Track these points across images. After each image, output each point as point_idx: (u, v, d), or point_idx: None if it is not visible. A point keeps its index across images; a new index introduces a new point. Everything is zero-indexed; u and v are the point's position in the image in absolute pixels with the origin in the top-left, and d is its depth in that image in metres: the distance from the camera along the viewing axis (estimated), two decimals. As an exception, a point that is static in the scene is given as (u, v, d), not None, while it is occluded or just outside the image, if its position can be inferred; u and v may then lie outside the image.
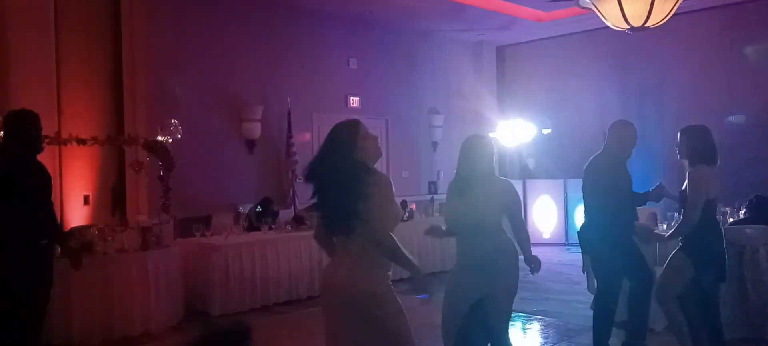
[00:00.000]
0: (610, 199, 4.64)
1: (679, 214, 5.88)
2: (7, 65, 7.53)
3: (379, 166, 11.94)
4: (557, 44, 12.86)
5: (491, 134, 12.84)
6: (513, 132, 12.44)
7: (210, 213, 8.26)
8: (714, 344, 4.61)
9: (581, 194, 4.94)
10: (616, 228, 4.67)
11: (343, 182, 2.99)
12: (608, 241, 4.69)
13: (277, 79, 10.03)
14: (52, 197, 5.02)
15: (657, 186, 4.86)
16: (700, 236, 4.52)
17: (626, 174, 4.78)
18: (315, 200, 3.13)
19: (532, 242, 4.06)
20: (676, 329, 4.66)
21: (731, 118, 10.61)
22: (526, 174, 12.45)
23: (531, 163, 12.49)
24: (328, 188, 3.06)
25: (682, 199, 4.62)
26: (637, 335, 4.90)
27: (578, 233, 5.07)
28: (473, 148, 3.94)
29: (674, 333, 4.74)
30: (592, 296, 6.39)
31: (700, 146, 4.57)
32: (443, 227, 4.18)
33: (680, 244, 4.64)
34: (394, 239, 2.98)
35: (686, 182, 4.56)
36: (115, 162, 8.54)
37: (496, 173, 4.15)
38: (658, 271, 5.68)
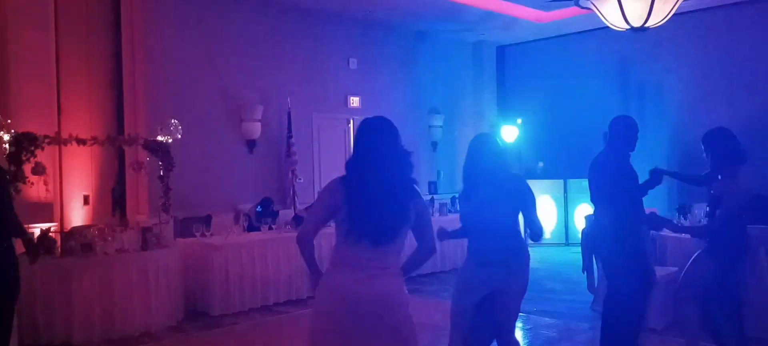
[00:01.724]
0: (616, 196, 4.60)
1: (707, 216, 5.85)
2: (7, 65, 7.53)
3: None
4: (557, 44, 12.87)
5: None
6: (513, 132, 12.43)
7: (210, 213, 8.26)
8: (739, 343, 4.60)
9: (581, 194, 4.91)
10: (622, 226, 4.62)
11: (405, 189, 2.98)
12: (615, 239, 4.64)
13: (277, 79, 10.03)
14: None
15: (652, 172, 4.77)
16: (726, 237, 4.52)
17: (631, 169, 4.73)
18: (362, 210, 2.90)
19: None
20: (686, 327, 4.64)
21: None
22: (527, 174, 12.44)
23: (540, 167, 12.46)
24: (389, 195, 2.92)
25: (712, 202, 4.61)
26: (633, 335, 4.87)
27: (584, 231, 5.04)
28: (480, 147, 3.96)
29: (683, 333, 4.72)
30: (593, 296, 6.41)
31: (723, 151, 4.55)
32: (449, 229, 4.18)
33: (706, 245, 4.61)
34: None
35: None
36: (115, 162, 8.54)
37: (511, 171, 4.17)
38: (658, 271, 5.69)
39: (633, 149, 4.72)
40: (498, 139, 4.11)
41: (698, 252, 4.64)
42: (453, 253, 9.21)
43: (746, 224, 4.69)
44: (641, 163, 4.73)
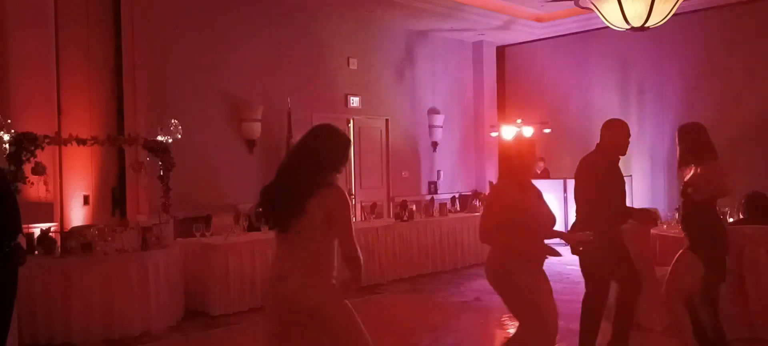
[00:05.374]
0: (602, 198, 4.61)
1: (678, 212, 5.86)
2: (7, 65, 7.53)
3: (380, 166, 11.92)
4: (557, 44, 12.87)
5: (493, 134, 12.85)
6: (513, 132, 12.43)
7: (210, 213, 8.26)
8: (720, 341, 4.61)
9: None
10: (606, 227, 4.62)
11: (305, 178, 2.97)
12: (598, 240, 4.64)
13: (277, 79, 10.04)
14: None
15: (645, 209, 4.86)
16: (708, 234, 4.52)
17: (618, 173, 4.75)
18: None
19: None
20: (679, 328, 4.64)
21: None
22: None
23: (540, 167, 12.46)
24: (286, 181, 3.02)
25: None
26: (622, 337, 4.87)
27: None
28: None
29: (677, 333, 4.72)
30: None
31: (697, 145, 4.57)
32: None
33: (688, 243, 4.61)
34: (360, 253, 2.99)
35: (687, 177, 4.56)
36: (115, 162, 8.54)
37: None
38: (658, 271, 5.68)
39: (621, 154, 4.74)
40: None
41: (681, 250, 4.63)
42: (452, 253, 9.21)
43: (720, 222, 4.77)
44: (643, 164, 4.75)
